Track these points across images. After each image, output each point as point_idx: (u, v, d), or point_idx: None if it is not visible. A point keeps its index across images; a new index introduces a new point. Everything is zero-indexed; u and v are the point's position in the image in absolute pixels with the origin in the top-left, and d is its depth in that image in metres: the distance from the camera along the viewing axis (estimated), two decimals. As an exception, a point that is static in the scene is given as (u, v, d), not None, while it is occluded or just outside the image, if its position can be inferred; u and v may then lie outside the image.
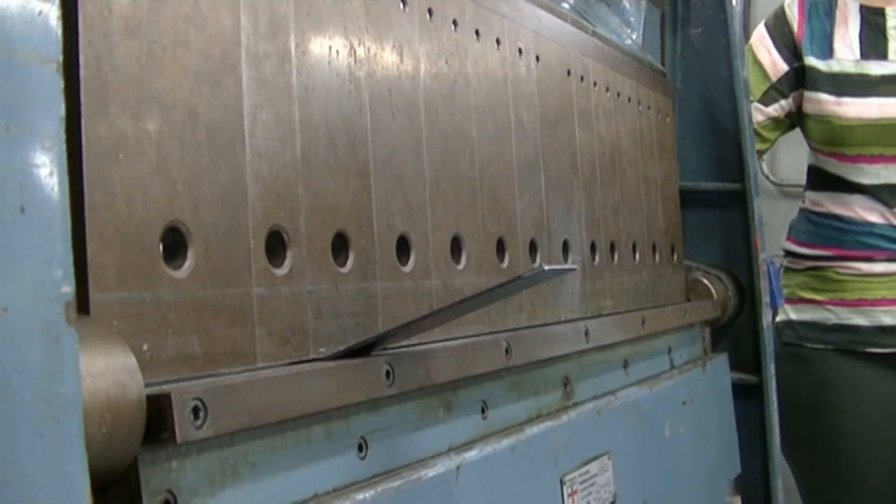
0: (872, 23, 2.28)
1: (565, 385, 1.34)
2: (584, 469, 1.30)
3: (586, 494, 1.29)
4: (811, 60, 2.30)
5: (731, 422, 2.06)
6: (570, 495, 1.25)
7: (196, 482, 0.74)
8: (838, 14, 2.30)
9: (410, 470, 0.96)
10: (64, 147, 0.55)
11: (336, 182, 0.98)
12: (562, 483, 1.23)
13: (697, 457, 1.78)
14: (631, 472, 1.45)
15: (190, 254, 0.82)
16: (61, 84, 0.55)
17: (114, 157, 0.75)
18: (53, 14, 0.54)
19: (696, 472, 1.77)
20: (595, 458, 1.33)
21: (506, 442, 1.12)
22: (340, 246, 0.99)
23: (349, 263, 0.99)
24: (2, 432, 0.50)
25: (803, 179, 3.42)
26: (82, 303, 0.70)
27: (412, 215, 1.10)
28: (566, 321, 1.44)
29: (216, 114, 0.85)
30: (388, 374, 0.92)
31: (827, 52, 2.30)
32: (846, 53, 2.28)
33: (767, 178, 3.35)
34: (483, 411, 1.12)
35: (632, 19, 2.11)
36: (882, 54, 2.27)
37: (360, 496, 0.88)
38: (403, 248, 1.08)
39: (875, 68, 2.26)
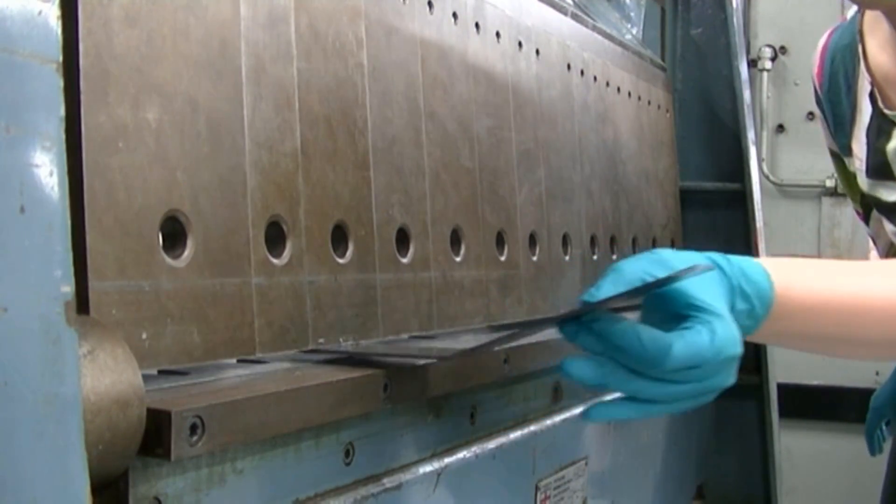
0: (881, 131, 1.60)
1: (555, 391, 1.33)
2: (559, 474, 1.29)
3: (558, 500, 1.29)
4: (832, 144, 1.71)
5: (709, 425, 2.05)
6: (542, 501, 1.25)
7: (183, 489, 0.73)
8: (858, 93, 1.61)
9: (392, 476, 0.96)
10: (64, 147, 0.54)
11: (335, 173, 0.98)
12: (536, 488, 1.23)
13: (671, 461, 1.77)
14: (603, 476, 1.44)
15: (189, 243, 0.82)
16: (61, 84, 0.54)
17: (113, 145, 0.75)
18: (53, 14, 0.54)
19: (667, 476, 1.77)
20: (572, 464, 1.33)
21: (489, 447, 1.12)
22: (340, 237, 0.99)
23: (348, 254, 0.99)
24: (2, 432, 0.50)
25: (803, 179, 3.43)
26: (81, 292, 0.70)
27: (412, 207, 1.09)
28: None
29: (216, 103, 0.85)
30: (385, 387, 0.91)
31: (846, 146, 1.67)
32: (859, 163, 1.65)
33: (767, 178, 3.35)
34: (472, 416, 1.12)
35: (632, 14, 2.11)
36: (889, 176, 1.59)
37: (339, 503, 0.88)
38: (403, 239, 1.08)
39: (885, 193, 1.61)
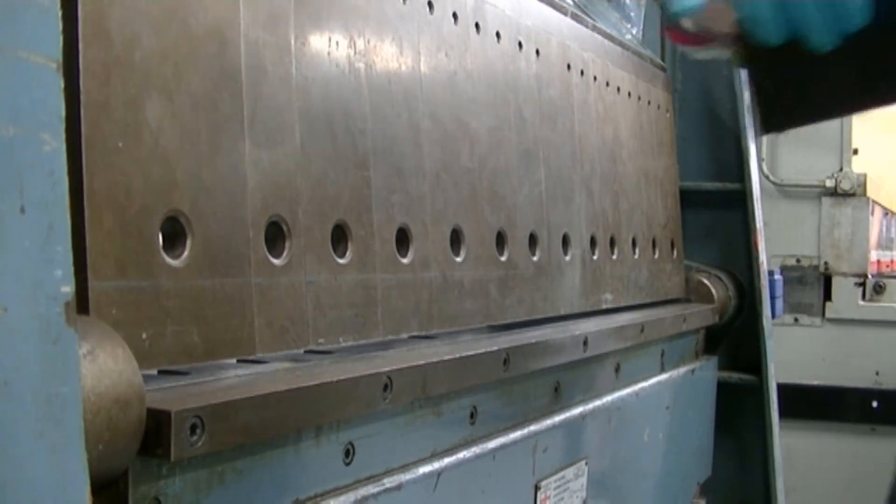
0: None
1: (556, 390, 1.34)
2: (560, 475, 1.29)
3: (559, 500, 1.29)
4: None
5: (709, 425, 2.05)
6: (542, 501, 1.25)
7: (183, 489, 0.73)
8: None
9: (392, 476, 0.96)
10: (64, 147, 0.54)
11: (335, 173, 0.98)
12: (536, 489, 1.23)
13: (671, 461, 1.77)
14: (604, 476, 1.45)
15: (189, 243, 0.81)
16: (61, 84, 0.54)
17: (113, 145, 0.75)
18: (53, 14, 0.54)
19: (667, 475, 1.77)
20: (572, 464, 1.33)
21: (489, 447, 1.12)
22: (340, 237, 0.99)
23: (348, 254, 0.99)
24: (2, 432, 0.50)
25: (803, 179, 3.43)
26: (81, 292, 0.70)
27: (412, 207, 1.09)
28: (565, 317, 1.44)
29: (216, 103, 0.85)
30: (386, 387, 0.91)
31: None
32: None
33: (767, 178, 3.35)
34: (472, 416, 1.12)
35: (632, 14, 2.11)
36: None
37: (339, 503, 0.88)
38: (403, 239, 1.08)
39: None
